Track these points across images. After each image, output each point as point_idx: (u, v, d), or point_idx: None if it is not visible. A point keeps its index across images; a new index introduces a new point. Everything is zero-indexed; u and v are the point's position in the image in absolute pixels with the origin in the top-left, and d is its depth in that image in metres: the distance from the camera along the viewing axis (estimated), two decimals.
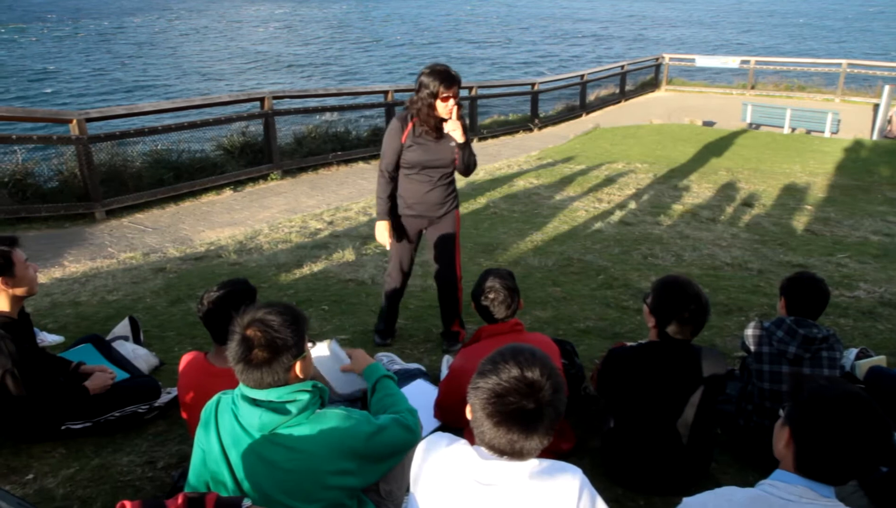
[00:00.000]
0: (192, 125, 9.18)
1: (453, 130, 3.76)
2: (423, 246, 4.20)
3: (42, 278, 5.64)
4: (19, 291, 2.98)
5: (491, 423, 1.64)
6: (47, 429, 3.11)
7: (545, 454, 1.74)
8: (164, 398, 3.40)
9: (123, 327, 4.17)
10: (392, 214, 3.96)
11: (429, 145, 3.84)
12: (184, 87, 26.40)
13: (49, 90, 25.01)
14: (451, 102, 3.70)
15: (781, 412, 1.83)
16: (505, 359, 1.68)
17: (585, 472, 1.75)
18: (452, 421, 3.08)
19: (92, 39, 39.92)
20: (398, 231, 4.03)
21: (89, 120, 7.69)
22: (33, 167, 7.90)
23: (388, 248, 4.09)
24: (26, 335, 3.06)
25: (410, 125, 3.80)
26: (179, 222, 7.58)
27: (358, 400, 2.79)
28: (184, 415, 2.74)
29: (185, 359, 2.75)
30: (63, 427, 3.12)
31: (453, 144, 3.86)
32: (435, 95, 3.68)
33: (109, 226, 7.41)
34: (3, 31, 41.48)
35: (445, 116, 3.75)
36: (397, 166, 3.89)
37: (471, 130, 13.87)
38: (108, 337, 3.96)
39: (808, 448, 1.71)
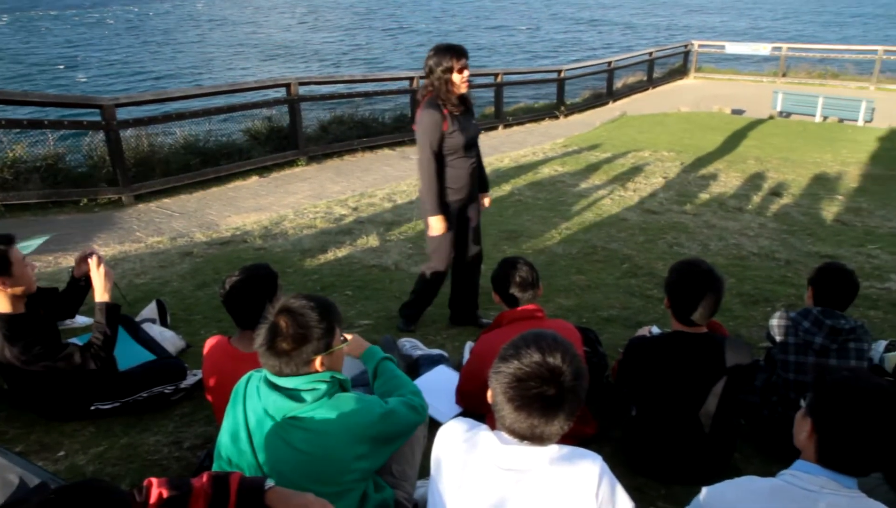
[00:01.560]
0: (219, 111, 9.26)
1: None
2: None
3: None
4: (18, 290, 2.97)
5: (511, 407, 1.65)
6: (77, 409, 3.17)
7: (567, 438, 1.75)
8: (191, 379, 3.45)
9: (151, 309, 4.24)
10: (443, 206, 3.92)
11: (464, 124, 3.86)
12: (211, 74, 26.59)
13: (83, 78, 25.32)
14: (466, 72, 3.74)
15: (803, 403, 1.82)
16: (527, 344, 1.68)
17: (607, 460, 1.75)
18: (474, 407, 3.10)
19: (121, 27, 40.33)
20: (448, 221, 3.97)
21: (118, 105, 7.78)
22: (64, 152, 8.04)
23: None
24: (39, 325, 3.06)
25: (446, 112, 3.78)
26: (206, 208, 7.66)
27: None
28: (208, 398, 2.78)
29: (210, 343, 2.78)
30: (92, 408, 3.19)
31: (475, 122, 3.93)
32: (450, 70, 3.70)
33: (137, 210, 7.51)
34: (36, 18, 42.04)
35: (463, 90, 3.77)
36: (439, 158, 3.83)
37: (496, 116, 13.86)
38: (137, 319, 4.02)
39: (830, 439, 1.70)
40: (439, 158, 3.83)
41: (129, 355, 3.44)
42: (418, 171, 3.91)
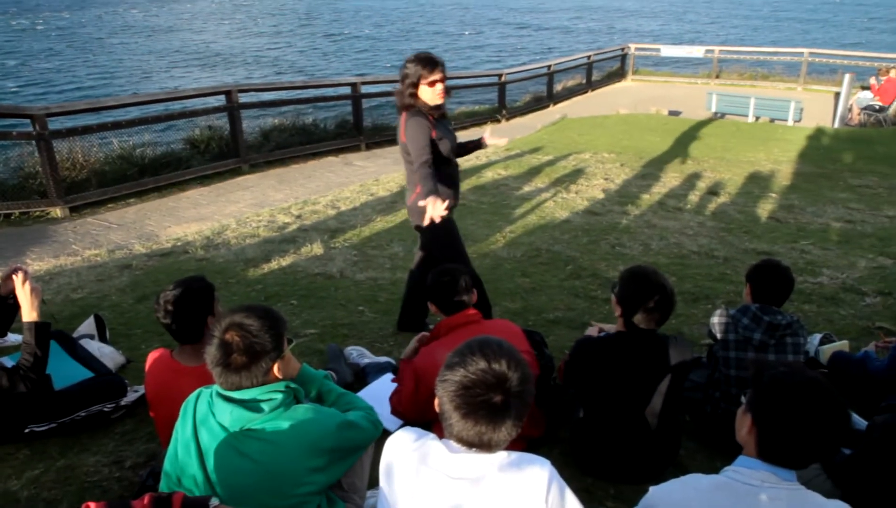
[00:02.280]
0: (157, 119, 9.06)
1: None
2: (391, 239, 4.18)
3: None
4: None
5: (459, 415, 1.65)
6: (10, 432, 3.05)
7: (515, 441, 1.76)
8: (131, 396, 3.36)
9: (88, 325, 4.11)
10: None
11: (445, 130, 3.86)
12: (148, 82, 25.94)
13: (13, 86, 24.39)
14: (440, 86, 3.68)
15: (743, 399, 1.87)
16: (472, 351, 1.69)
17: (555, 462, 1.77)
18: (415, 418, 3.06)
19: (53, 33, 39.04)
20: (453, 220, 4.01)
21: (50, 115, 7.52)
22: None
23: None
24: None
25: (431, 119, 3.76)
26: (145, 218, 7.47)
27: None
28: (151, 414, 2.71)
29: (151, 357, 2.72)
30: (27, 430, 3.07)
31: (451, 125, 3.93)
32: (418, 81, 3.66)
33: (73, 223, 7.27)
34: None
35: (435, 102, 3.72)
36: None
37: None
38: (74, 335, 3.89)
39: (769, 434, 1.75)
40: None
41: (65, 373, 3.32)
42: (415, 177, 3.73)
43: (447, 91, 3.76)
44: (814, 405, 1.70)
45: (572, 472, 2.94)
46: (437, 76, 3.67)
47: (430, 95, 3.70)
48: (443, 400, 1.69)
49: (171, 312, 2.60)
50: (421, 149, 3.67)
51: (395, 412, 3.10)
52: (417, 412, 2.94)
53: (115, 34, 39.27)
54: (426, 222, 3.47)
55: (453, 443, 1.72)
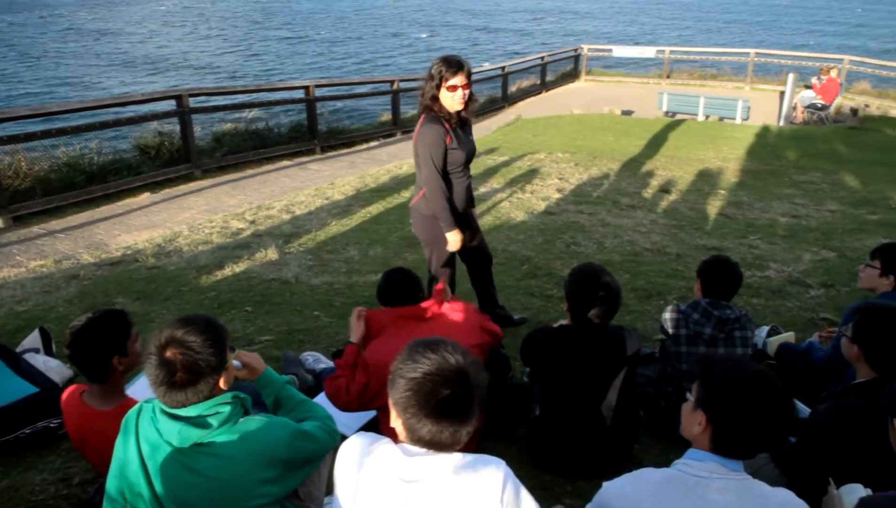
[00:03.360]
0: (105, 125, 8.83)
1: None
2: (347, 243, 4.16)
3: None
4: None
5: (422, 416, 1.63)
6: None
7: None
8: None
9: (33, 339, 3.99)
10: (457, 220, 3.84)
11: (463, 139, 3.80)
12: (97, 88, 25.35)
13: None
14: (461, 92, 3.60)
15: (689, 395, 1.91)
16: (428, 351, 1.68)
17: (513, 460, 1.78)
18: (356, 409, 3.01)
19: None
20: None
21: None
22: None
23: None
24: None
25: (448, 126, 3.69)
26: (94, 227, 7.29)
27: None
28: (74, 446, 2.58)
29: (65, 394, 2.55)
30: None
31: (472, 136, 3.90)
32: (439, 85, 3.59)
33: (17, 233, 7.05)
34: None
35: (455, 108, 3.65)
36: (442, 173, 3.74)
37: (393, 124, 13.85)
38: (18, 349, 3.78)
39: (724, 429, 1.79)
40: (443, 174, 3.73)
41: (8, 389, 3.23)
42: (425, 187, 3.74)
43: (470, 99, 3.69)
44: (764, 397, 1.76)
45: (530, 470, 2.97)
46: (458, 81, 3.58)
47: (449, 100, 3.62)
48: (402, 403, 1.65)
49: (73, 344, 2.40)
50: (427, 156, 3.65)
51: (336, 400, 2.94)
52: (362, 404, 2.91)
53: (60, 38, 38.26)
54: (449, 248, 3.85)
55: (409, 446, 1.71)
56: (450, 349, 1.68)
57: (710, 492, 1.74)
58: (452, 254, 3.97)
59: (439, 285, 3.25)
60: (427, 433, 1.64)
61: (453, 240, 3.81)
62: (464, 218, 3.94)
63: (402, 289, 3.14)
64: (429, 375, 1.64)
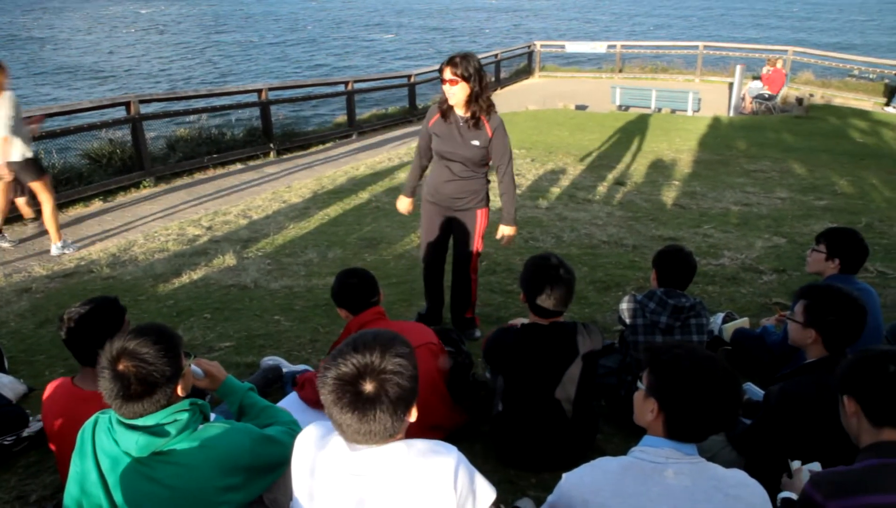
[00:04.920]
0: (52, 134, 8.62)
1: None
2: (305, 245, 4.14)
3: None
4: None
5: (337, 410, 1.63)
6: None
7: (430, 431, 1.75)
8: (34, 426, 3.19)
9: None
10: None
11: (448, 135, 3.88)
12: (45, 94, 24.71)
13: None
14: (445, 86, 3.72)
15: (640, 384, 1.96)
16: (346, 346, 1.68)
17: (477, 456, 1.79)
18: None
19: None
20: (426, 214, 4.19)
21: None
22: None
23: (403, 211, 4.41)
24: None
25: (439, 112, 3.88)
26: (44, 238, 7.10)
27: None
28: (52, 446, 2.56)
29: (51, 387, 2.57)
30: None
31: (477, 142, 3.83)
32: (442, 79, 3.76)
33: None
34: None
35: (451, 103, 3.78)
36: (430, 149, 4.06)
37: (349, 125, 13.77)
38: None
39: (675, 415, 1.85)
40: (429, 149, 4.06)
41: None
42: None
43: (473, 96, 3.76)
44: (711, 380, 1.81)
45: (494, 465, 2.99)
46: (445, 75, 3.72)
47: (447, 92, 3.77)
48: (324, 397, 1.66)
49: (73, 330, 2.46)
50: (420, 131, 4.08)
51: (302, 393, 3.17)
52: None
53: (6, 43, 37.18)
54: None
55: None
56: (368, 343, 1.67)
57: (667, 477, 1.79)
58: (429, 244, 4.28)
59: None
60: (341, 425, 1.64)
61: (398, 202, 4.39)
62: (439, 212, 4.17)
63: (355, 292, 3.14)
64: (339, 369, 1.63)
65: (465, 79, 3.70)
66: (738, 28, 44.61)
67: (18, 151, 6.02)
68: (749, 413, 2.94)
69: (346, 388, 1.62)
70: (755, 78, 16.71)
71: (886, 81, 18.04)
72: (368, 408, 1.61)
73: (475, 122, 3.82)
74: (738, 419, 2.64)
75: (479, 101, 3.78)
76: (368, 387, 1.62)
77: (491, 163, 4.01)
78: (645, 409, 1.91)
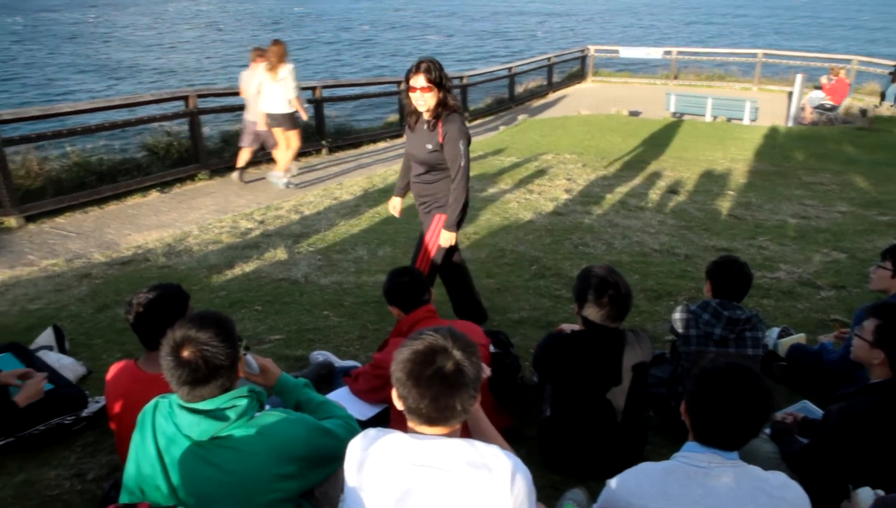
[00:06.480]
0: (114, 126, 8.88)
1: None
2: (355, 243, 4.18)
3: None
4: None
5: (411, 385, 1.71)
6: None
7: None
8: (93, 407, 3.29)
9: (47, 336, 4.03)
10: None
11: (411, 135, 3.95)
12: (107, 87, 25.42)
13: None
14: (417, 93, 3.68)
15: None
16: (420, 333, 1.78)
17: (523, 461, 1.79)
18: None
19: (4, 37, 38.07)
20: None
21: (1, 122, 7.33)
22: None
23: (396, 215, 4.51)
24: None
25: (410, 125, 3.93)
26: (104, 226, 7.33)
27: None
28: (112, 426, 2.65)
29: (114, 368, 2.66)
30: None
31: (430, 146, 3.82)
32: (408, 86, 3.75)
33: (28, 232, 7.10)
34: None
35: (420, 110, 3.78)
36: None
37: (400, 125, 13.82)
38: (31, 347, 3.81)
39: (698, 417, 1.92)
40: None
41: None
42: None
43: (439, 103, 3.74)
44: (733, 388, 1.86)
45: (540, 470, 2.96)
46: (416, 82, 3.68)
47: (413, 99, 3.75)
48: (397, 378, 1.74)
49: (142, 314, 2.54)
50: None
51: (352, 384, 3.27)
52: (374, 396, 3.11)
53: (75, 39, 38.36)
54: None
55: (418, 431, 1.76)
56: (441, 330, 1.77)
57: (710, 479, 1.85)
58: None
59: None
60: (418, 403, 1.71)
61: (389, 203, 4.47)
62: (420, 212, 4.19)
63: (407, 290, 3.17)
64: (417, 349, 1.73)
65: (437, 85, 3.69)
66: (800, 37, 43.50)
67: (289, 106, 8.29)
68: (806, 432, 2.86)
69: (427, 364, 1.70)
70: (816, 88, 16.26)
71: None
72: (449, 385, 1.70)
73: (433, 124, 3.81)
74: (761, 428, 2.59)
75: (447, 104, 3.77)
76: (449, 364, 1.70)
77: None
78: (683, 413, 1.99)
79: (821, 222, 7.17)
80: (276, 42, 8.27)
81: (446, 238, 3.97)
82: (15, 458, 3.03)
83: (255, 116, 8.48)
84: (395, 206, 4.43)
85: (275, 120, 8.33)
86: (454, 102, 3.81)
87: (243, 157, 9.07)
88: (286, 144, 8.61)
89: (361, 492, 1.74)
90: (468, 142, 3.82)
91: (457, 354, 1.72)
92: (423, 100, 3.70)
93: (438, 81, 3.68)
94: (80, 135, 8.63)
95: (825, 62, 18.69)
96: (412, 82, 3.68)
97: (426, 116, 3.80)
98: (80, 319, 4.67)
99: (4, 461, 3.01)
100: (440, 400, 1.70)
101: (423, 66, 3.66)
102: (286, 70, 8.11)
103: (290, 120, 8.40)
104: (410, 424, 1.78)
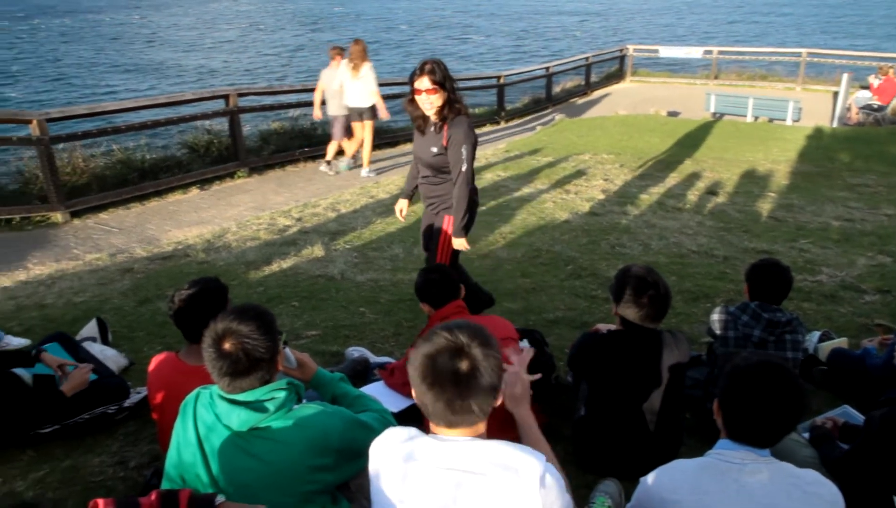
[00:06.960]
0: (157, 124, 9.08)
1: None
2: (391, 241, 4.21)
3: (6, 281, 5.56)
4: None
5: (426, 387, 1.67)
6: (15, 435, 3.07)
7: (509, 430, 1.76)
8: (134, 397, 3.38)
9: (91, 328, 4.13)
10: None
11: (418, 136, 3.91)
12: (150, 86, 25.94)
13: (14, 93, 24.35)
14: (423, 95, 3.62)
15: None
16: (437, 330, 1.73)
17: (557, 459, 1.79)
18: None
19: (54, 38, 39.06)
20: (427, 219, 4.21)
21: (50, 120, 7.55)
22: None
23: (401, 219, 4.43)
24: None
25: (417, 129, 3.88)
26: (146, 222, 7.49)
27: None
28: (154, 416, 2.72)
29: (156, 360, 2.73)
30: (32, 433, 3.09)
31: (435, 149, 3.78)
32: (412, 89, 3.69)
33: (74, 227, 7.30)
34: None
35: (427, 113, 3.71)
36: None
37: None
38: (76, 338, 3.91)
39: (730, 414, 1.93)
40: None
41: None
42: None
43: (446, 104, 3.67)
44: (765, 384, 1.85)
45: (574, 469, 2.96)
46: (421, 85, 3.62)
47: (419, 102, 3.69)
48: (412, 378, 1.71)
49: (183, 309, 2.61)
50: None
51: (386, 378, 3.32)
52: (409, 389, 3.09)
53: (118, 39, 39.21)
54: None
55: (440, 433, 1.73)
56: (459, 327, 1.72)
57: (744, 475, 1.85)
58: (423, 246, 4.36)
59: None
60: (432, 405, 1.68)
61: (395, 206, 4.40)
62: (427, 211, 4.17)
63: (437, 287, 3.20)
64: (432, 348, 1.69)
65: (443, 86, 3.63)
66: (848, 36, 42.47)
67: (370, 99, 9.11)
68: (847, 438, 2.81)
69: (440, 364, 1.66)
70: (863, 88, 15.88)
71: None
72: (463, 386, 1.66)
73: (439, 127, 3.75)
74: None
75: (453, 106, 3.70)
76: (463, 364, 1.66)
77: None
78: (716, 410, 1.99)
79: (866, 224, 7.00)
80: (357, 41, 9.04)
81: (458, 245, 3.93)
82: (61, 445, 3.12)
83: (339, 110, 9.37)
84: (400, 208, 4.32)
85: (357, 113, 9.16)
86: (461, 105, 3.74)
87: (332, 148, 9.92)
88: (366, 135, 9.44)
89: (402, 505, 1.73)
90: (473, 147, 3.74)
91: (475, 352, 1.68)
92: (430, 102, 3.63)
93: (443, 81, 3.62)
94: (124, 133, 8.85)
95: (873, 61, 18.24)
96: (417, 85, 3.61)
97: (433, 118, 3.73)
98: (122, 312, 4.78)
99: (52, 447, 3.10)
100: (455, 403, 1.66)
101: (428, 67, 3.60)
102: (367, 67, 8.94)
103: (371, 111, 9.20)
104: (432, 426, 1.75)
